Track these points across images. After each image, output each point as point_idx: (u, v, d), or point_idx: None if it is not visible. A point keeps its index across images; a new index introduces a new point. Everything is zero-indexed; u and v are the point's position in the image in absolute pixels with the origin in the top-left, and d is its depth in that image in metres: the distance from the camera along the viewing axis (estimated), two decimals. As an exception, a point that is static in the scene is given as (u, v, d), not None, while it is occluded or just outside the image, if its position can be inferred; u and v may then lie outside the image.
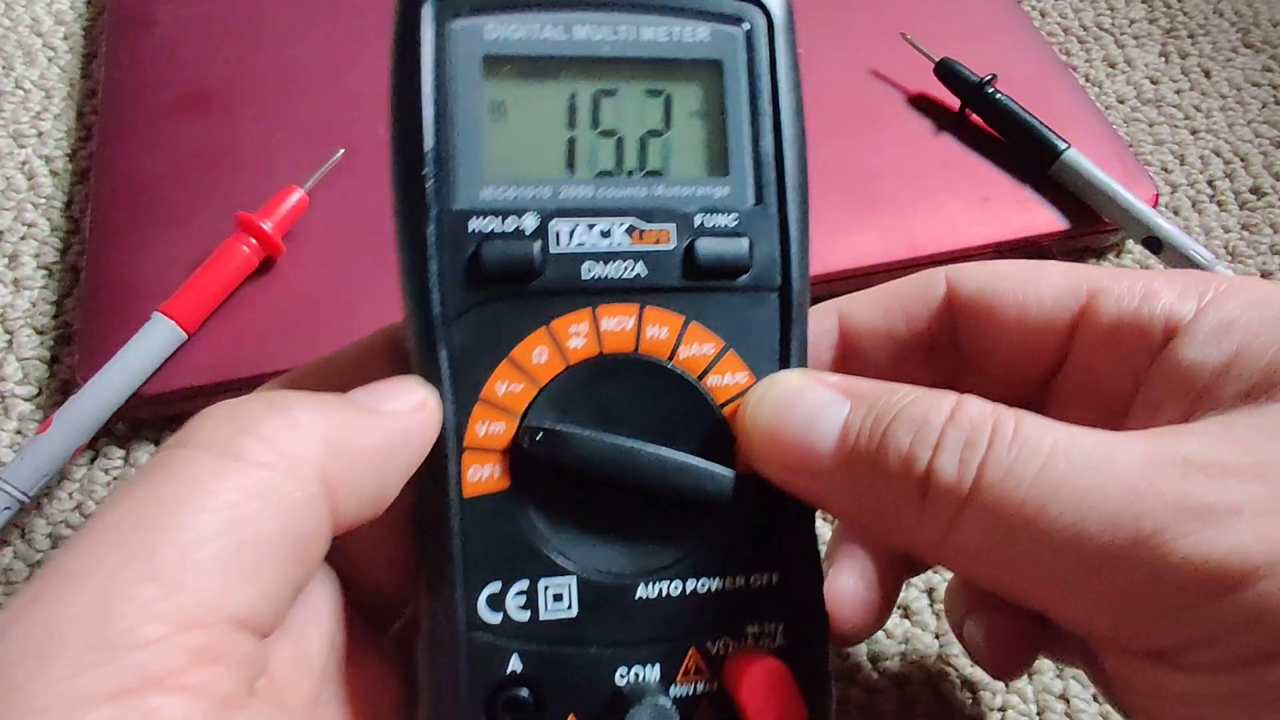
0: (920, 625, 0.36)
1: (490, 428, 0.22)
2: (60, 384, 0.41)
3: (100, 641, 0.16)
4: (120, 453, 0.40)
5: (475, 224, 0.22)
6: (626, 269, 0.23)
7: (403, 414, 0.21)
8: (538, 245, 0.23)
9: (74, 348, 0.41)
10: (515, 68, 0.23)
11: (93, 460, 0.40)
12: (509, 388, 0.22)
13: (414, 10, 0.22)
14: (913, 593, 0.37)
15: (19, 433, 0.40)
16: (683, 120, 0.24)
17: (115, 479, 0.39)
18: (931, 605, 0.37)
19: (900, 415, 0.21)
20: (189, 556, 0.17)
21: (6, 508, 0.36)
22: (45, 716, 0.15)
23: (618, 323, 0.23)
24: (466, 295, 0.22)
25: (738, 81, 0.24)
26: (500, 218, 0.23)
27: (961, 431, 0.21)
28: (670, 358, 0.23)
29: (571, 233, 0.23)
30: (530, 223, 0.23)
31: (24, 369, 0.42)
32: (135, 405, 0.39)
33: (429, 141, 0.22)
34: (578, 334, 0.23)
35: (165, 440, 0.40)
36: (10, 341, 0.42)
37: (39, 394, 0.41)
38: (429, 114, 0.22)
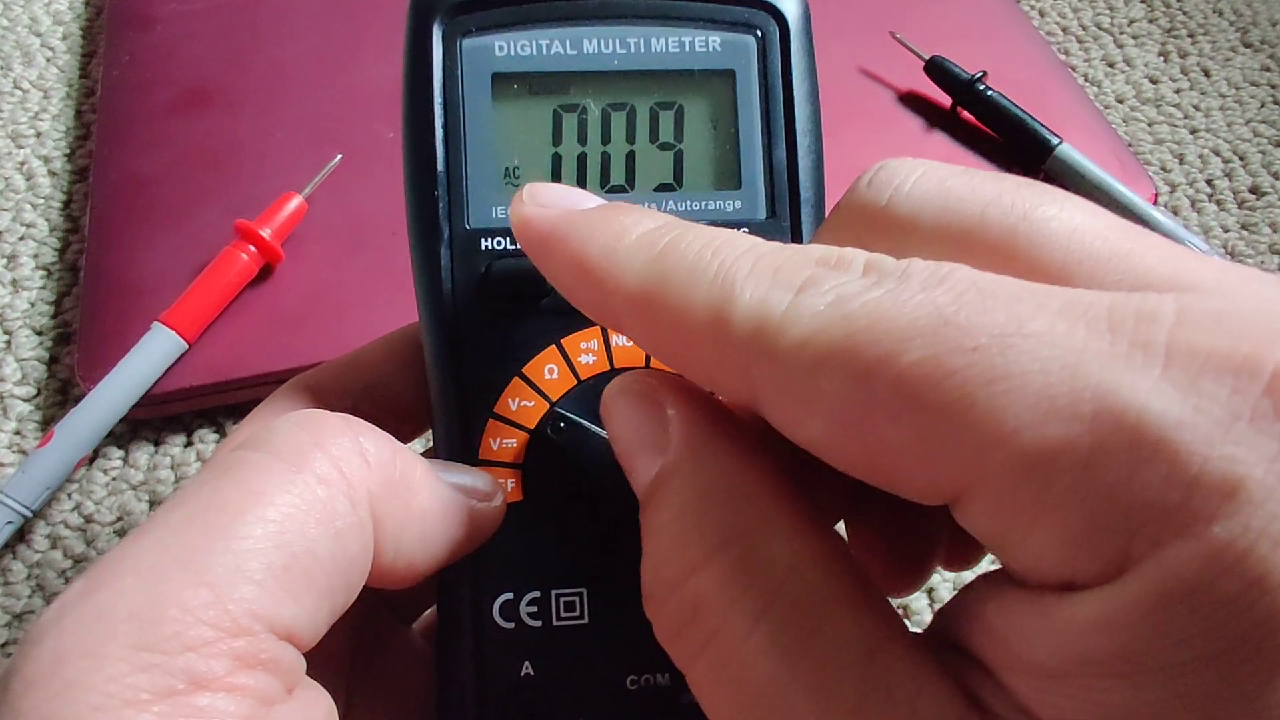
0: (919, 625, 0.36)
1: (503, 442, 0.23)
2: (59, 384, 0.41)
3: (151, 643, 0.16)
4: (119, 453, 0.40)
5: (487, 243, 0.23)
6: None
7: (468, 494, 0.21)
8: None
9: (73, 348, 0.41)
10: (524, 85, 0.23)
11: (91, 461, 0.39)
12: (521, 404, 0.23)
13: (424, 31, 0.23)
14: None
15: (18, 433, 0.40)
16: (694, 133, 0.24)
17: (114, 479, 0.39)
18: (932, 605, 0.37)
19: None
20: (242, 567, 0.17)
21: (9, 522, 0.36)
22: (101, 715, 0.16)
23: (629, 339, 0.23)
24: (479, 313, 0.23)
25: (750, 91, 0.24)
26: (511, 237, 0.23)
27: None
28: None
29: None
30: None
31: (22, 369, 0.42)
32: (135, 406, 0.39)
33: (440, 163, 0.23)
34: (589, 350, 0.23)
35: (165, 439, 0.40)
36: (9, 342, 0.42)
37: (38, 394, 0.41)
38: (440, 135, 0.23)
